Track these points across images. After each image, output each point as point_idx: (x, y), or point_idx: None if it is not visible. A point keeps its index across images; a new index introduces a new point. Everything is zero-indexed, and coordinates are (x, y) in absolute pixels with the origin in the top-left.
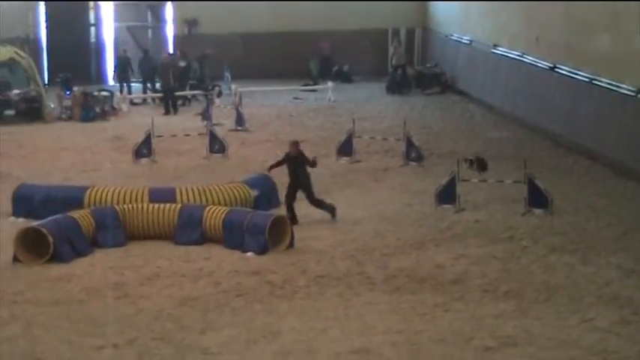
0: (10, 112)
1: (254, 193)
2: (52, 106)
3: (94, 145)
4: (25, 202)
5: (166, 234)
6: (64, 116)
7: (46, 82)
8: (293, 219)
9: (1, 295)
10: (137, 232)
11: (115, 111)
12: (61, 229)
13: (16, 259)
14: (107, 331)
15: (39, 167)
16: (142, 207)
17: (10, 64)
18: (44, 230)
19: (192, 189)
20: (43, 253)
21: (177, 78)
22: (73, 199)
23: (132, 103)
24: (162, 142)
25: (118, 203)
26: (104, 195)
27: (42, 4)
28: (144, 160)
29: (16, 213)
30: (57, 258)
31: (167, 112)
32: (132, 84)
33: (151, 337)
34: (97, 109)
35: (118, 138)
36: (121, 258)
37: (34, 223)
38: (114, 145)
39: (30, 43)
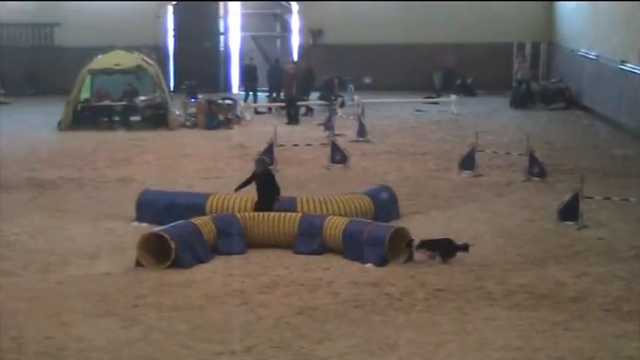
0: (136, 118)
1: None
2: (177, 113)
3: (217, 152)
4: (148, 208)
5: (286, 243)
6: (188, 123)
7: (172, 89)
8: None
9: (123, 298)
10: (257, 240)
11: (238, 119)
12: (182, 235)
13: (138, 264)
14: (226, 338)
15: (162, 173)
16: (263, 215)
17: (137, 71)
18: (166, 236)
19: (312, 199)
20: (165, 258)
21: (300, 89)
22: (195, 205)
23: (256, 112)
24: (284, 151)
25: (239, 211)
26: (226, 202)
27: (170, 12)
28: None
29: (140, 218)
30: (178, 264)
31: (290, 122)
32: (258, 92)
33: (269, 345)
34: (221, 117)
35: (241, 146)
36: (241, 265)
37: (157, 229)
38: (237, 153)
39: (157, 51)
